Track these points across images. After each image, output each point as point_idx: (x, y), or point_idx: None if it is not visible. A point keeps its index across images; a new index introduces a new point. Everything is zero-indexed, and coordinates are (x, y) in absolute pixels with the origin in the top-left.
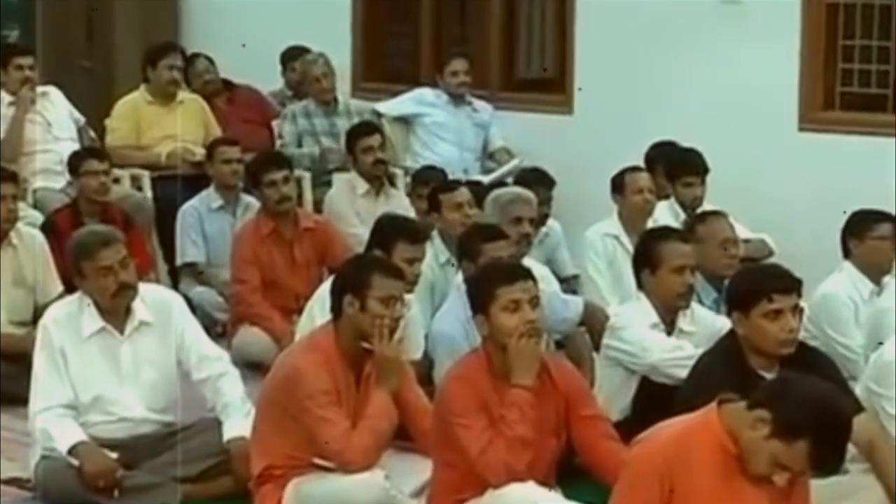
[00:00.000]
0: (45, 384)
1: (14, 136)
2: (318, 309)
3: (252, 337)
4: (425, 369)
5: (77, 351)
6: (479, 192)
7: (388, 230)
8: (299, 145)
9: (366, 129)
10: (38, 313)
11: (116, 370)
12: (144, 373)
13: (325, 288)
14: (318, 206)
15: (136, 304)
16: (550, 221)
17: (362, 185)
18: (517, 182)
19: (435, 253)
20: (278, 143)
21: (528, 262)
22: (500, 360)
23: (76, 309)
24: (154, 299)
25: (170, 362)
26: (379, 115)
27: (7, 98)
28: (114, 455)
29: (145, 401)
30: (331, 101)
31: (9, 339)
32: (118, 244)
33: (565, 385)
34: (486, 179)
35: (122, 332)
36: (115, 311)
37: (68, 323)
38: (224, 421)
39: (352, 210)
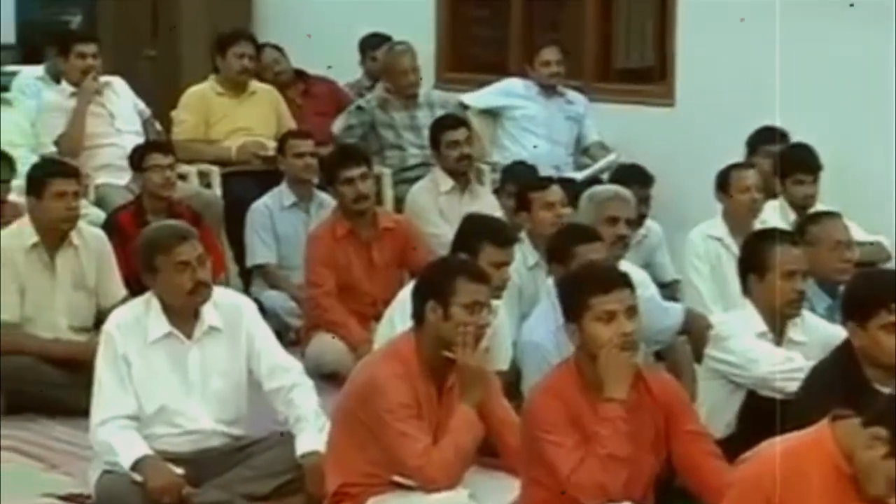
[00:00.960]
0: (107, 394)
1: (75, 129)
2: (398, 316)
3: (327, 345)
4: (512, 380)
5: (142, 358)
6: (572, 190)
7: (474, 231)
8: (364, 138)
9: (451, 122)
10: (100, 318)
11: (183, 379)
12: (213, 382)
13: (406, 293)
14: (398, 205)
15: (206, 308)
16: (649, 222)
17: (446, 183)
18: (613, 179)
19: (523, 256)
20: (336, 127)
21: (624, 265)
22: (592, 371)
23: (142, 313)
24: (224, 303)
25: (240, 371)
26: (465, 107)
27: (68, 88)
28: (180, 471)
29: (214, 412)
30: (412, 93)
31: (69, 346)
32: (195, 240)
33: (664, 399)
34: (579, 176)
35: (189, 336)
36: (187, 312)
37: (133, 328)
38: (297, 435)
39: (435, 209)
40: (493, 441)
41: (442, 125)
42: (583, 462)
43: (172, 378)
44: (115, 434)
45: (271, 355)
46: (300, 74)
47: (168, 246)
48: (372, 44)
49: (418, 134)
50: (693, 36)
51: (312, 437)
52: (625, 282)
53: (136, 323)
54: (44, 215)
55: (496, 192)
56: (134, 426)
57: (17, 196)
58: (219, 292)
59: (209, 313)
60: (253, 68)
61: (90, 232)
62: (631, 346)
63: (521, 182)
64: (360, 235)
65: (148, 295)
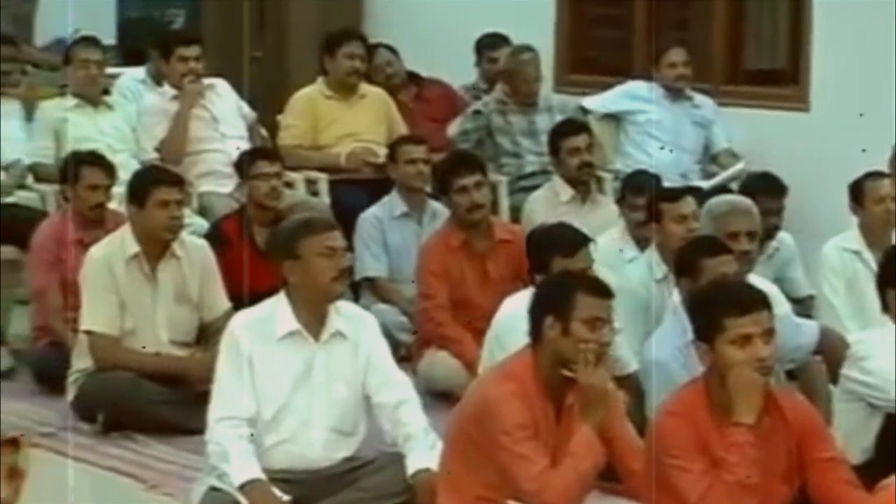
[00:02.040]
0: (227, 393)
1: (178, 134)
2: (500, 334)
3: (440, 362)
4: (636, 402)
5: (266, 357)
6: (699, 199)
7: (543, 243)
8: (480, 144)
9: (571, 128)
10: (202, 332)
11: (307, 379)
12: (336, 387)
13: (508, 308)
14: (515, 215)
15: (332, 313)
16: (781, 234)
17: (566, 192)
18: (743, 189)
19: (650, 267)
20: (451, 132)
21: (754, 280)
22: (722, 393)
23: (268, 313)
24: (348, 313)
25: (358, 381)
26: (585, 112)
27: (170, 91)
28: (287, 498)
29: (332, 419)
30: (529, 97)
31: (170, 361)
32: (339, 231)
33: (798, 423)
34: (706, 185)
35: (316, 337)
36: (314, 311)
37: (259, 327)
38: (407, 454)
39: (554, 219)
40: (614, 465)
41: (562, 131)
42: (711, 489)
43: (296, 377)
44: (234, 443)
45: (385, 369)
46: (413, 77)
47: (319, 230)
48: (489, 45)
49: (536, 140)
50: (829, 35)
51: (423, 454)
52: (763, 303)
53: (263, 323)
54: (145, 225)
55: (618, 201)
56: (250, 433)
57: (117, 204)
58: (342, 303)
59: (335, 318)
60: (363, 70)
61: (193, 242)
62: (767, 372)
63: (645, 191)
64: (474, 247)
65: (276, 297)
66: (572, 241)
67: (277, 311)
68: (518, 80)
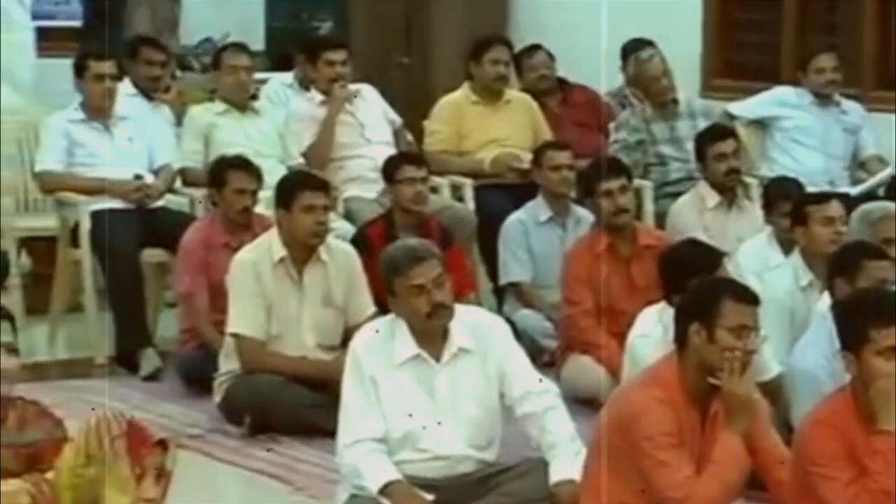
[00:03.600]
0: (355, 415)
1: (324, 139)
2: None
3: (584, 368)
4: (783, 411)
5: (389, 379)
6: (846, 205)
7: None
8: (628, 151)
9: (718, 133)
10: (347, 336)
11: (432, 402)
12: (464, 405)
13: (638, 328)
14: (660, 221)
15: (455, 328)
16: None
17: (712, 197)
18: (889, 195)
19: (796, 275)
20: (612, 149)
21: None
22: (869, 402)
23: (388, 332)
24: (474, 323)
25: (491, 394)
26: (732, 117)
27: (318, 97)
28: (430, 497)
29: (464, 436)
30: (668, 102)
31: (316, 365)
32: (433, 260)
33: None
34: (853, 191)
35: (438, 359)
36: (430, 334)
37: (380, 348)
38: (550, 462)
39: (699, 225)
40: (759, 474)
41: (708, 136)
42: (857, 498)
43: (421, 401)
44: (364, 457)
45: (524, 378)
46: (559, 82)
47: (403, 268)
48: (635, 49)
49: (679, 146)
50: None
51: (567, 464)
52: None
53: (383, 343)
54: (292, 229)
55: (764, 207)
56: (382, 449)
57: (264, 208)
58: (469, 311)
59: (458, 334)
60: (509, 74)
61: (339, 247)
62: None
63: (791, 197)
64: (619, 252)
65: (394, 315)
66: (707, 260)
67: (396, 332)
68: (644, 80)
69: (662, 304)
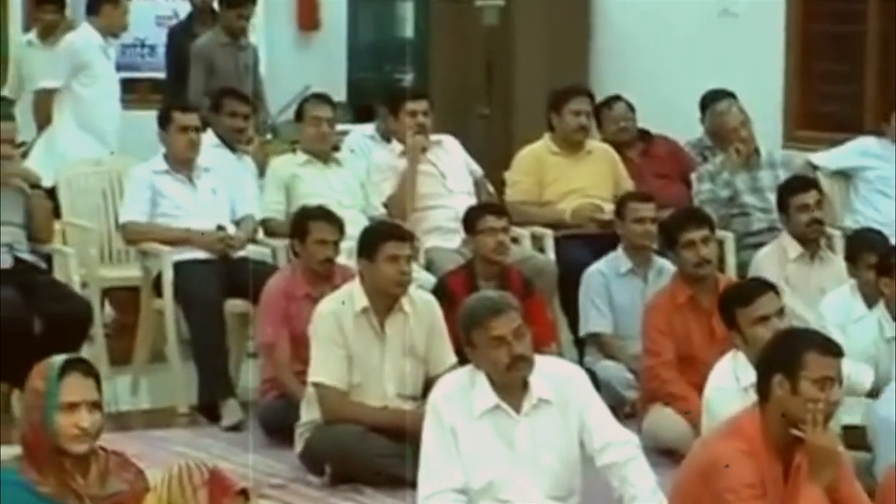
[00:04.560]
0: (435, 466)
1: (406, 190)
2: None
3: (665, 419)
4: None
5: (469, 430)
6: None
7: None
8: (711, 202)
9: (801, 184)
10: (428, 386)
11: (512, 453)
12: (543, 456)
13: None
14: (742, 272)
15: (535, 380)
16: None
17: (795, 248)
18: None
19: (881, 326)
20: (697, 200)
21: None
22: None
23: (467, 383)
24: (554, 374)
25: (571, 445)
26: (814, 168)
27: (399, 147)
28: None
29: (544, 487)
30: (750, 152)
31: (397, 415)
32: (513, 312)
33: None
34: None
35: (518, 410)
36: (510, 386)
37: (460, 399)
38: None
39: (781, 276)
40: None
41: (791, 187)
42: None
43: (501, 452)
44: None
45: (605, 428)
46: (641, 133)
47: (483, 320)
48: (714, 100)
49: (761, 197)
50: None
51: None
52: None
53: (463, 394)
54: (375, 279)
55: (847, 259)
56: (462, 500)
57: (345, 259)
58: (549, 362)
59: (538, 385)
60: (590, 125)
61: (420, 297)
62: None
63: (882, 247)
64: (700, 303)
65: (474, 365)
66: (748, 288)
67: (476, 382)
68: (725, 131)
69: (733, 353)
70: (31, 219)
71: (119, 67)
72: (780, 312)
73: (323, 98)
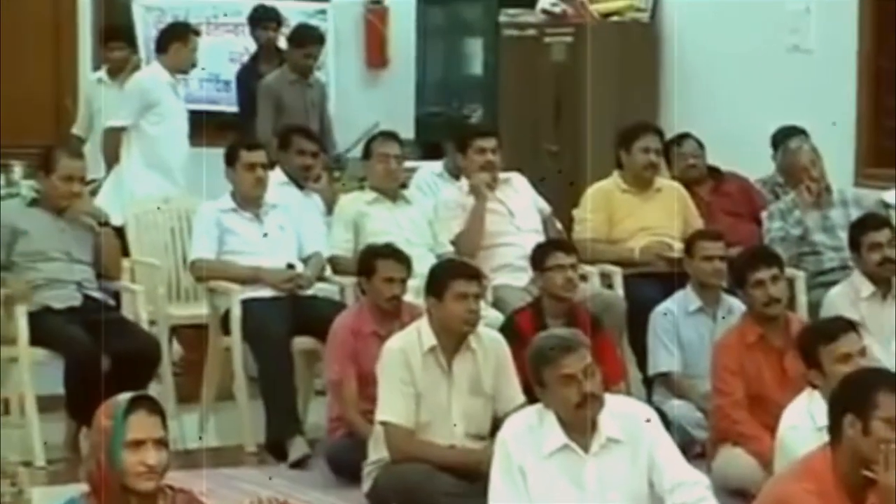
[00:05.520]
0: None
1: (474, 227)
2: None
3: (736, 459)
4: None
5: (537, 469)
6: None
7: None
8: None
9: (872, 222)
10: (496, 425)
11: (580, 493)
12: (612, 496)
13: (787, 419)
14: (813, 311)
15: (604, 418)
16: None
17: (867, 288)
18: None
19: None
20: (768, 238)
21: None
22: None
23: (536, 422)
24: (623, 413)
25: (640, 485)
26: (886, 206)
27: (467, 185)
28: None
29: None
30: (822, 191)
31: (465, 454)
32: (583, 350)
33: None
34: None
35: (587, 449)
36: (580, 425)
37: (528, 438)
38: None
39: (855, 315)
40: None
41: (863, 226)
42: None
43: (569, 492)
44: None
45: (675, 468)
46: (711, 170)
47: (553, 358)
48: (785, 137)
49: (832, 235)
50: None
51: None
52: None
53: (531, 433)
54: (444, 318)
55: None
56: None
57: (413, 297)
58: (618, 401)
59: (607, 424)
60: (659, 163)
61: (488, 335)
62: None
63: None
64: (771, 342)
65: (543, 404)
66: (833, 326)
67: (545, 421)
68: (796, 169)
69: (808, 391)
70: (100, 256)
71: (198, 100)
72: (863, 351)
73: (391, 135)
